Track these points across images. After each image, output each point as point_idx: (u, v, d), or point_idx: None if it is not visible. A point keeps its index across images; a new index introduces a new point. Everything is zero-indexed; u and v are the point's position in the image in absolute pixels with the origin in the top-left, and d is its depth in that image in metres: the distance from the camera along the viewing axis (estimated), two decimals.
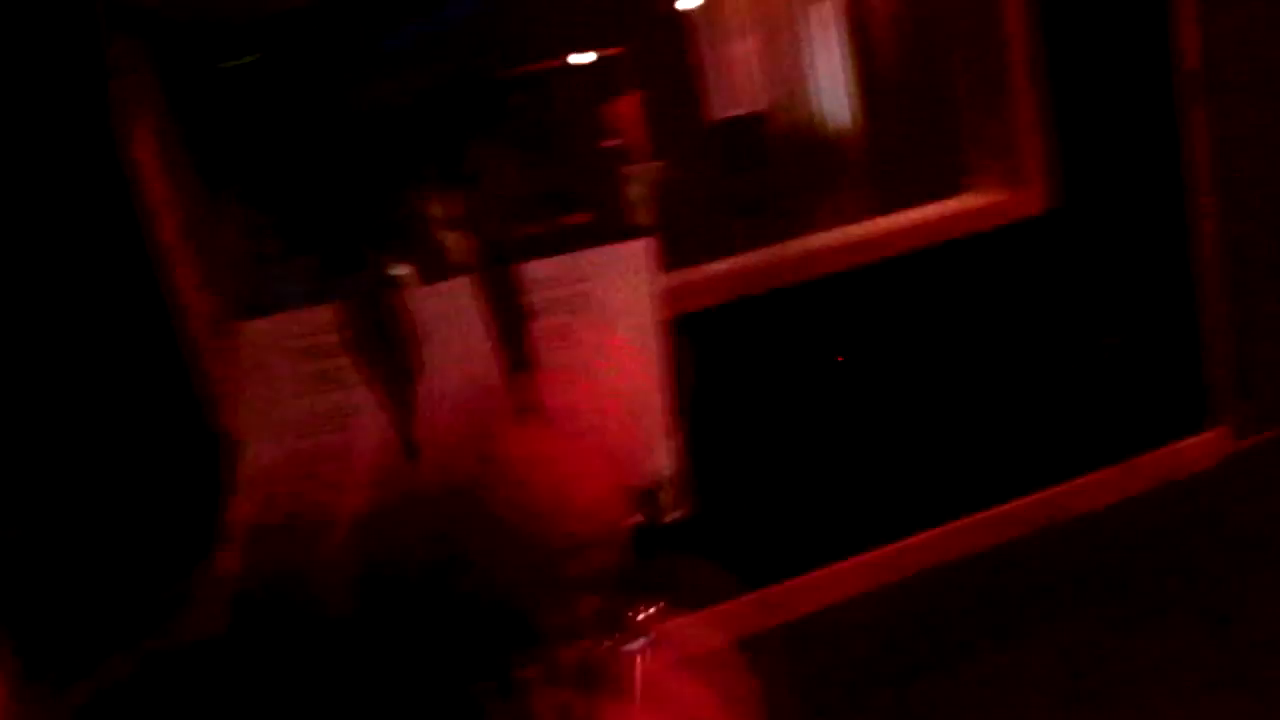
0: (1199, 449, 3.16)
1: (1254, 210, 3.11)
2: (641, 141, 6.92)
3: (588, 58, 6.90)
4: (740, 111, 4.71)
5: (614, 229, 6.69)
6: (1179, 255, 3.05)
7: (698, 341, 2.55)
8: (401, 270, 1.66)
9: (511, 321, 0.84)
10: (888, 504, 2.92)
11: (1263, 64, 3.04)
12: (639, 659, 0.81)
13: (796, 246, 2.91)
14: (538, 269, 0.96)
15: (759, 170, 4.10)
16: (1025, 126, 2.82)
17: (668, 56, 5.83)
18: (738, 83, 5.19)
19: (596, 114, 7.30)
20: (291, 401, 0.94)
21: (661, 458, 0.93)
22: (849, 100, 4.60)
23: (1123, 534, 2.95)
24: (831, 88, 4.73)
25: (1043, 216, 2.89)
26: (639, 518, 0.84)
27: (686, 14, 5.56)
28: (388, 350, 0.74)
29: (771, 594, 2.80)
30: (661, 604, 0.92)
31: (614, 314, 0.96)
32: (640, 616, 0.86)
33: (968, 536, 2.96)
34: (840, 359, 2.78)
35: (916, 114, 3.92)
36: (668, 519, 0.86)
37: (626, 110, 7.11)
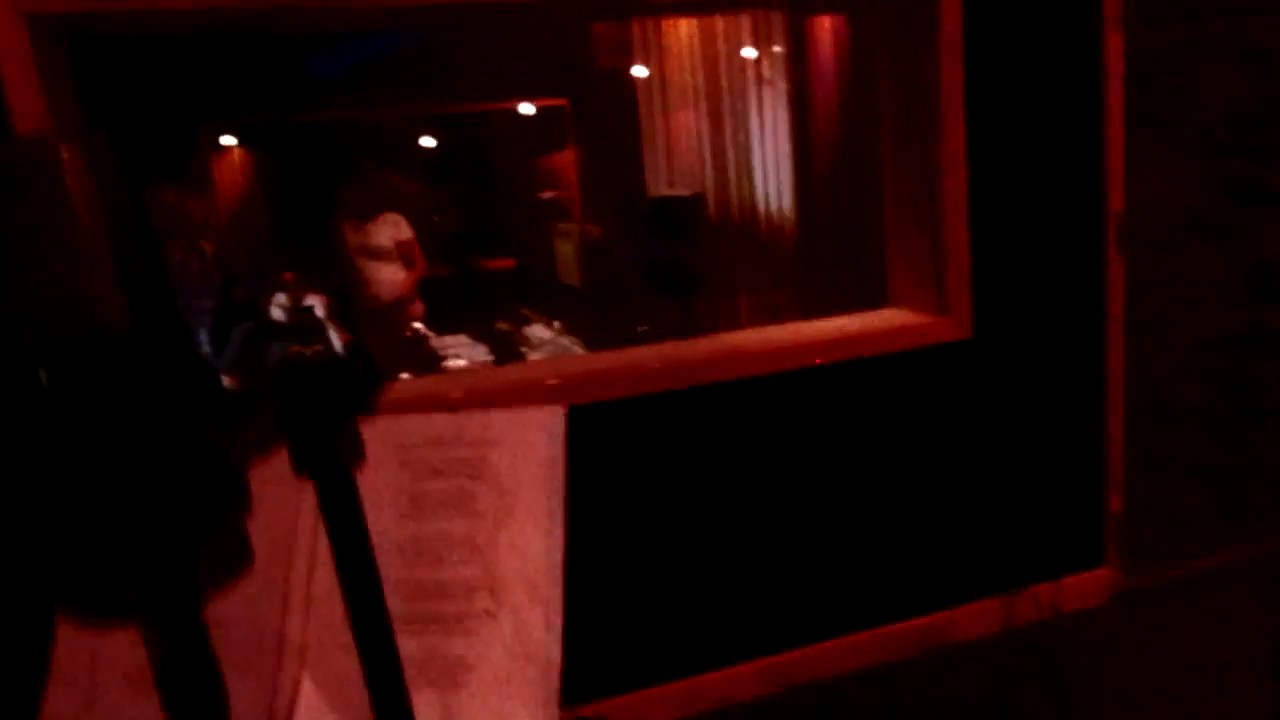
0: (1088, 585, 3.20)
1: (1162, 355, 3.20)
2: (577, 201, 6.87)
3: (531, 107, 6.87)
4: (680, 190, 4.71)
5: (535, 280, 6.62)
6: (1088, 393, 3.11)
7: (599, 434, 2.51)
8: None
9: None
10: (771, 615, 2.87)
11: (1181, 215, 3.15)
12: None
13: (714, 344, 2.87)
14: (440, 426, 0.88)
15: (689, 250, 4.09)
16: (953, 254, 2.85)
17: (613, 121, 5.82)
18: (679, 158, 5.20)
19: (535, 164, 7.24)
20: None
21: (550, 646, 0.86)
22: (786, 192, 4.64)
23: (1004, 663, 2.96)
24: (772, 177, 4.77)
25: (959, 343, 2.91)
26: None
27: (637, 80, 5.56)
28: None
29: (650, 695, 2.72)
30: None
31: (516, 482, 0.88)
32: None
33: (850, 654, 2.93)
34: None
35: (849, 219, 3.97)
36: None
37: (564, 165, 7.07)
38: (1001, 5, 2.82)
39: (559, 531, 0.87)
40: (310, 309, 4.06)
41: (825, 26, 4.55)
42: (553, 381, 2.60)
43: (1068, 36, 2.91)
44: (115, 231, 0.81)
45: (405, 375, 4.77)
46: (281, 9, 2.21)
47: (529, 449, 0.88)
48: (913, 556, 3.01)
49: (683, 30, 5.31)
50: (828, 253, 4.36)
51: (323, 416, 0.58)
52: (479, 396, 2.50)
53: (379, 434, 0.89)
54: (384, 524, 0.88)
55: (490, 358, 4.82)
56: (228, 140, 7.11)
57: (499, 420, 0.90)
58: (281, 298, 4.41)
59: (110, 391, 0.55)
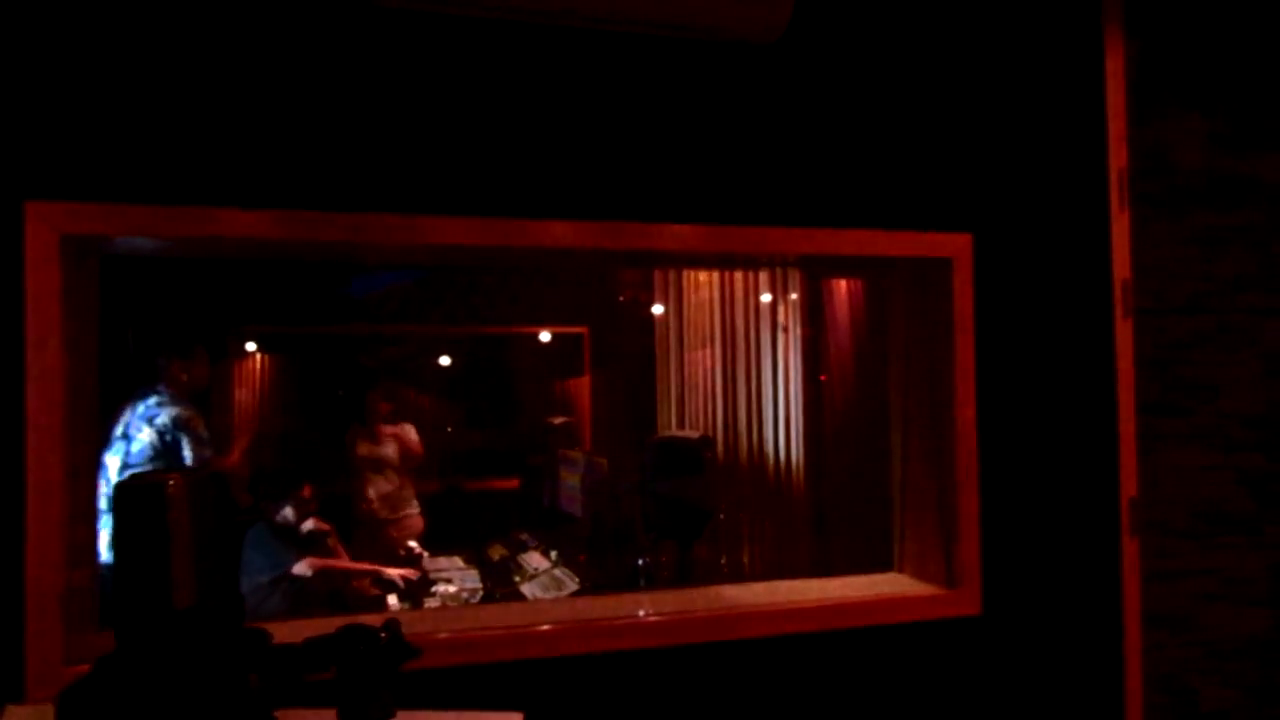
0: None
1: (1179, 646, 3.05)
2: (588, 429, 6.92)
3: (548, 334, 7.07)
4: (689, 431, 4.72)
5: (538, 504, 6.56)
6: (1103, 687, 2.94)
7: (583, 686, 2.37)
8: None
9: None
10: None
11: (1198, 503, 3.09)
12: None
13: (713, 599, 2.76)
14: None
15: (692, 493, 4.03)
16: (964, 527, 2.79)
17: (630, 354, 5.95)
18: (692, 396, 5.25)
19: (551, 388, 7.35)
20: None
21: None
22: (797, 441, 4.63)
23: None
24: (783, 424, 4.78)
25: (966, 619, 2.80)
26: None
27: (655, 317, 5.70)
28: None
29: None
30: None
31: None
32: None
33: None
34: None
35: (860, 473, 3.92)
36: None
37: (579, 392, 7.17)
38: (1016, 285, 2.89)
39: None
40: (317, 532, 3.99)
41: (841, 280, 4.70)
42: (544, 628, 2.50)
43: (1079, 321, 2.96)
44: (200, 534, 1.17)
45: (392, 600, 4.62)
46: (322, 244, 2.27)
47: None
48: None
49: (702, 274, 5.50)
50: (835, 505, 4.29)
51: (366, 680, 0.84)
52: (464, 640, 2.39)
53: None
54: None
55: (480, 586, 4.67)
56: (250, 346, 7.31)
57: None
58: (288, 513, 4.38)
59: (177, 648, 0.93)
